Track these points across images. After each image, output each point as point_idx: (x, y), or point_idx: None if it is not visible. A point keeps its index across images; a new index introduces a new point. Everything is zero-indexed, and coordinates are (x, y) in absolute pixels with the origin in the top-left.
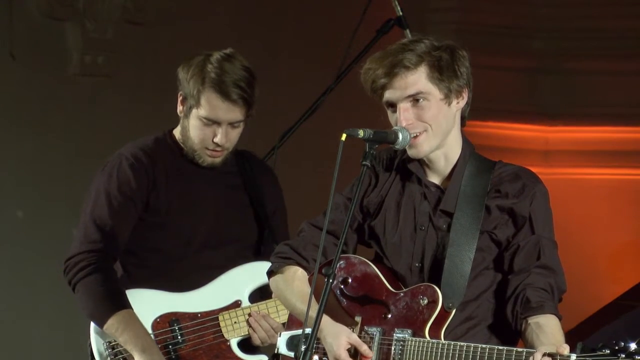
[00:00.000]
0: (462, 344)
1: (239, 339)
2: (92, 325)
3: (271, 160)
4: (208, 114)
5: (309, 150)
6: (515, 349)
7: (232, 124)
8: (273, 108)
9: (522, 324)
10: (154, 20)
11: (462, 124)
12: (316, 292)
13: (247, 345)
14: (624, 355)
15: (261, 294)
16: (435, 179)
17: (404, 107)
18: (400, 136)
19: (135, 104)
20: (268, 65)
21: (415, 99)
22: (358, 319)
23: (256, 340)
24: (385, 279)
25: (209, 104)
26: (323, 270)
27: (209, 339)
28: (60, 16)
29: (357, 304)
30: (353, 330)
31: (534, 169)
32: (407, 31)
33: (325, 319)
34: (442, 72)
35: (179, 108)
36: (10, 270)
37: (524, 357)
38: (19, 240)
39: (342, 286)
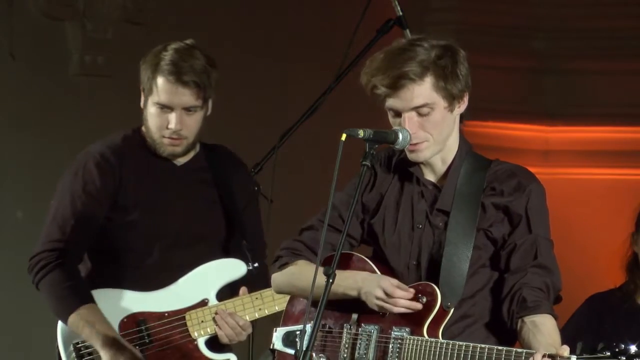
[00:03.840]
0: (461, 343)
1: (206, 338)
2: (59, 326)
3: (271, 160)
4: (160, 99)
5: (308, 150)
6: (514, 349)
7: (186, 110)
8: (273, 108)
9: (517, 323)
10: (154, 20)
11: (460, 122)
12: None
13: (215, 344)
14: (624, 358)
15: (231, 291)
16: (432, 177)
17: (410, 116)
18: (401, 136)
19: (135, 104)
20: (268, 65)
21: (420, 109)
22: (355, 316)
23: (223, 339)
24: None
25: (161, 88)
26: (323, 270)
27: (176, 339)
28: (60, 16)
29: (354, 301)
30: (350, 328)
31: (534, 169)
32: (407, 31)
33: (362, 274)
34: (447, 80)
35: (142, 100)
36: (10, 271)
37: (523, 357)
38: (18, 240)
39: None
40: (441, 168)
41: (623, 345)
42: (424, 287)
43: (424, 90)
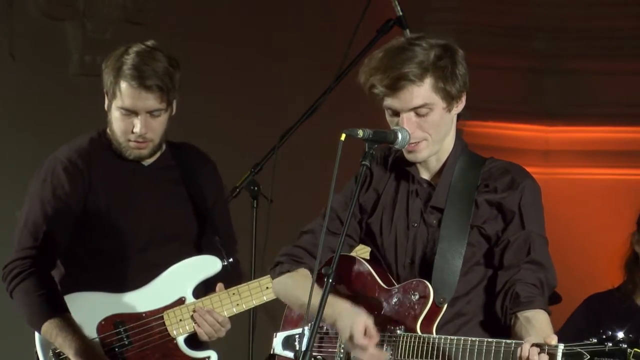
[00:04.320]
0: (452, 337)
1: (185, 336)
2: (37, 333)
3: (271, 160)
4: (124, 104)
5: (308, 150)
6: (504, 340)
7: (151, 113)
8: (273, 108)
9: (511, 318)
10: (154, 20)
11: (464, 118)
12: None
13: (194, 341)
14: (610, 344)
15: (205, 288)
16: (426, 175)
17: (408, 116)
18: (400, 136)
19: None
20: (268, 65)
21: (419, 110)
22: None
23: (203, 336)
24: (378, 276)
25: (124, 93)
26: (322, 270)
27: (156, 339)
28: (60, 16)
29: (350, 301)
30: None
31: (534, 169)
32: (407, 31)
33: (343, 305)
34: (447, 81)
35: (105, 103)
36: None
37: (512, 348)
38: None
39: (337, 284)
40: (436, 166)
41: (610, 332)
42: (417, 283)
43: (423, 91)
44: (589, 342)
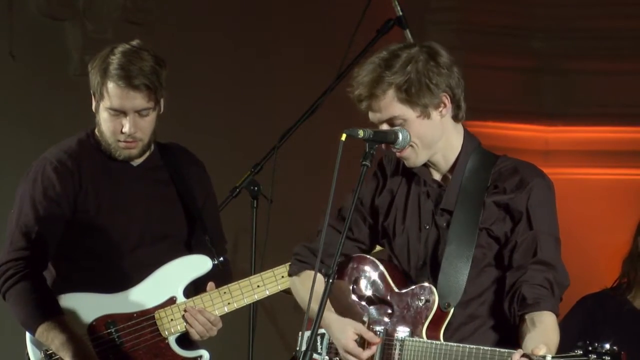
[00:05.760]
0: (452, 344)
1: (176, 335)
2: (28, 334)
3: (271, 160)
4: (112, 104)
5: (309, 150)
6: (498, 349)
7: (139, 113)
8: (273, 108)
9: (519, 320)
10: (154, 20)
11: (460, 118)
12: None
13: (186, 341)
14: (595, 356)
15: (195, 287)
16: (437, 176)
17: (384, 128)
18: (401, 136)
19: None
20: (268, 65)
21: (391, 121)
22: (365, 318)
23: (195, 335)
24: (392, 278)
25: (112, 94)
26: (323, 270)
27: (147, 339)
28: (60, 16)
29: (365, 303)
30: None
31: None
32: (407, 31)
33: (332, 317)
34: (410, 93)
35: (93, 105)
36: None
37: (505, 356)
38: None
39: (353, 286)
40: (445, 167)
41: (596, 343)
42: (423, 288)
43: (388, 104)
44: (574, 353)
